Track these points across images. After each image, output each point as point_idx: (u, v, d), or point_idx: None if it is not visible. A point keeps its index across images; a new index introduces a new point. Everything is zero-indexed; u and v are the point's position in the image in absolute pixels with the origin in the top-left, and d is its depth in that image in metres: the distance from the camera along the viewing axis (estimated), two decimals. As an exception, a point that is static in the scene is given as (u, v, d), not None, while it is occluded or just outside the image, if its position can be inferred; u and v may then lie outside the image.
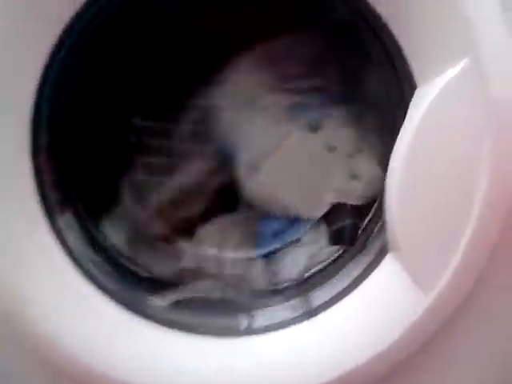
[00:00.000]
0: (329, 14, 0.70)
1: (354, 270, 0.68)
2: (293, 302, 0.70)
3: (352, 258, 0.70)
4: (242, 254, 0.77)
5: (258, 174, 0.77)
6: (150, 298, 0.69)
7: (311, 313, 0.66)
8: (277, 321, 0.67)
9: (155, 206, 0.77)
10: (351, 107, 0.75)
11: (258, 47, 0.75)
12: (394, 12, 0.60)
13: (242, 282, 0.74)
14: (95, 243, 0.71)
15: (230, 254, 0.77)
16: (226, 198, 0.78)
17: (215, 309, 0.70)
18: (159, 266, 0.74)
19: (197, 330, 0.67)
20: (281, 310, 0.69)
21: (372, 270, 0.65)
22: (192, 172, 0.77)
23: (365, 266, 0.66)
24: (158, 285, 0.72)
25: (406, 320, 0.63)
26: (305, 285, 0.72)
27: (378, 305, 0.64)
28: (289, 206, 0.77)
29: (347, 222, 0.74)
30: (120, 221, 0.75)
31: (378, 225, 0.69)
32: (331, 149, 0.76)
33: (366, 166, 0.74)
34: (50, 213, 0.65)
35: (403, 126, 0.61)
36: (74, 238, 0.68)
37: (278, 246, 0.78)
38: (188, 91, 0.76)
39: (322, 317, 0.66)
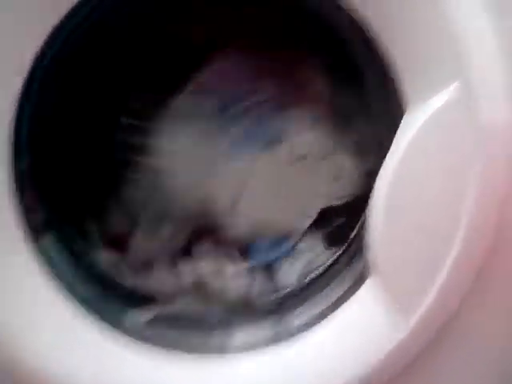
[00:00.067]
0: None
1: (335, 291, 0.67)
2: (272, 321, 0.69)
3: (334, 278, 0.70)
4: (238, 266, 0.77)
5: (239, 207, 0.76)
6: (129, 312, 0.69)
7: (290, 333, 0.66)
8: (254, 339, 0.67)
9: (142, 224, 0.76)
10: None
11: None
12: (385, 33, 0.59)
13: (222, 298, 0.73)
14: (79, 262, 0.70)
15: (227, 267, 0.77)
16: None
17: (193, 325, 0.70)
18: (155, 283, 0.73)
19: (175, 347, 0.66)
20: (260, 329, 0.68)
21: (353, 293, 0.65)
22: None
23: (346, 288, 0.66)
24: (138, 299, 0.71)
25: (386, 343, 0.62)
26: (285, 304, 0.71)
27: (358, 327, 0.63)
28: (279, 225, 0.76)
29: (340, 221, 0.74)
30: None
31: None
32: (301, 157, 0.75)
33: (342, 162, 0.74)
34: (33, 235, 0.64)
35: (390, 150, 0.60)
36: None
37: (273, 256, 0.77)
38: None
39: (300, 337, 0.65)
